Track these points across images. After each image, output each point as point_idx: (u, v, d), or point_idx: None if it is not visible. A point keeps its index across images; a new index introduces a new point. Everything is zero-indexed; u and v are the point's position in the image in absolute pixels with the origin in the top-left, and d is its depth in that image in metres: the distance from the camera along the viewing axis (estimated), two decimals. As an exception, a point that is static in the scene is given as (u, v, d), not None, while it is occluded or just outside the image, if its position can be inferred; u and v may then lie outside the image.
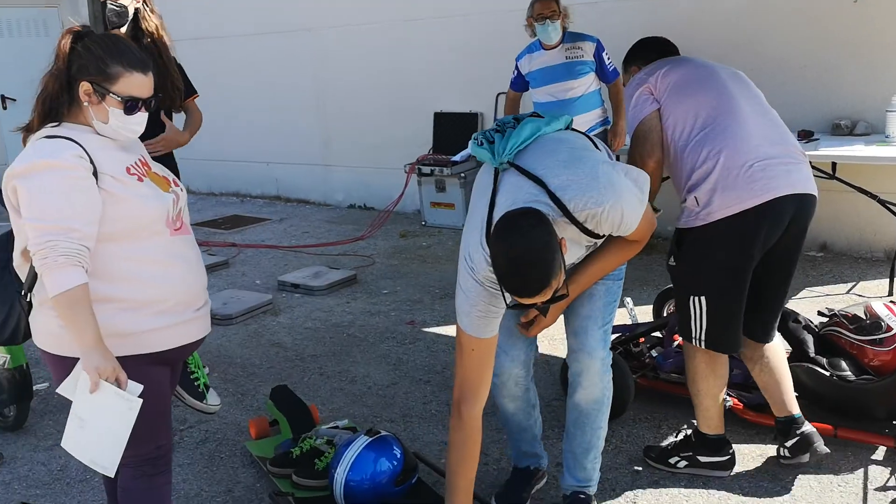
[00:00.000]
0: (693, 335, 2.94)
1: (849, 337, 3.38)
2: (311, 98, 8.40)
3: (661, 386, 3.68)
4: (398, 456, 2.91)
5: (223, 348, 4.69)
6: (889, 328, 3.25)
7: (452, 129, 7.44)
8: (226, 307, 5.19)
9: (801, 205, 2.79)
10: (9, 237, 2.26)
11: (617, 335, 3.81)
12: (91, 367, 2.01)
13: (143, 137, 3.19)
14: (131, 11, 3.58)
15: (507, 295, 2.21)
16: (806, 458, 2.97)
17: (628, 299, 4.26)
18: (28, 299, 2.18)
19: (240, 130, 8.93)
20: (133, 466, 2.27)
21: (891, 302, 3.41)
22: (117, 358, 2.06)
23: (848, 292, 5.10)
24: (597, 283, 2.58)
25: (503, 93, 7.06)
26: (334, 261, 6.40)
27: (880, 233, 5.69)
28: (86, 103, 2.14)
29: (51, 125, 2.17)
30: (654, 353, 3.77)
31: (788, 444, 3.00)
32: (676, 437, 3.24)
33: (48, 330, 2.16)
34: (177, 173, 3.83)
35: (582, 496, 2.82)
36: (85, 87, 2.13)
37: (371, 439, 2.92)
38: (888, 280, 5.07)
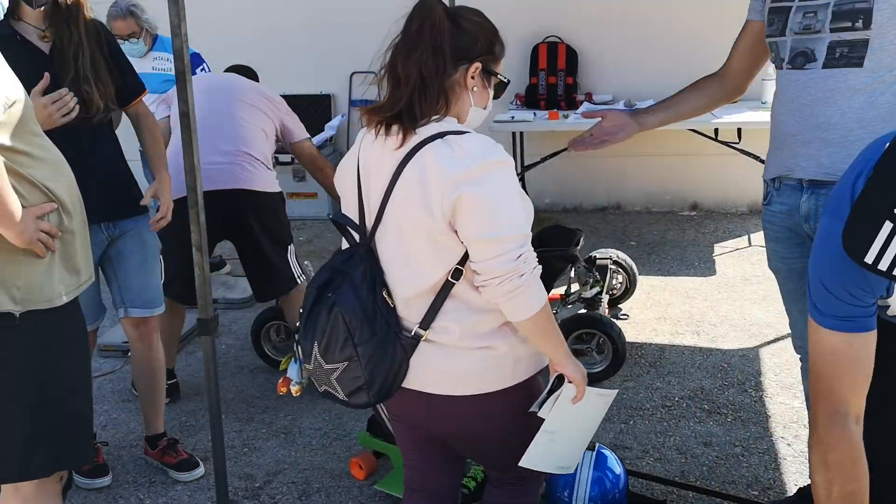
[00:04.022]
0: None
1: None
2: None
3: None
4: (619, 463, 2.70)
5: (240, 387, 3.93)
6: None
7: (300, 114, 6.84)
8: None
9: (227, 198, 3.45)
10: (367, 276, 1.84)
11: None
12: (578, 375, 1.90)
13: (81, 163, 2.50)
14: None
15: None
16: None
17: (307, 262, 4.48)
18: (421, 337, 1.84)
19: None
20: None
21: None
22: (532, 377, 1.95)
23: (750, 245, 5.60)
24: None
25: (359, 72, 6.75)
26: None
27: (744, 190, 6.31)
28: (475, 88, 1.84)
29: (434, 119, 1.81)
30: None
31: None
32: None
33: (468, 368, 1.85)
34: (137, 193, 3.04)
35: None
36: (475, 68, 1.83)
37: (594, 454, 2.66)
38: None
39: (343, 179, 1.96)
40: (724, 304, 4.63)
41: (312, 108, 6.84)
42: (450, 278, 1.80)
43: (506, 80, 1.92)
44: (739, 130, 5.60)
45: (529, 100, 6.32)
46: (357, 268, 1.85)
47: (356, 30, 6.80)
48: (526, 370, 1.92)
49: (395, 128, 1.80)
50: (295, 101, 6.84)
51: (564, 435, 1.98)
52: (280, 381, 2.13)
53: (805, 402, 2.75)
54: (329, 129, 6.69)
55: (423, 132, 1.78)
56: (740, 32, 2.58)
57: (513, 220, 1.75)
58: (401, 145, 1.79)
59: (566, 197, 6.69)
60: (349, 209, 1.94)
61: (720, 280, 4.99)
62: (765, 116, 5.46)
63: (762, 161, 5.74)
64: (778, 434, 3.27)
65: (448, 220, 1.73)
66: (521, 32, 6.46)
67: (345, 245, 1.96)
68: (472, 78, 1.83)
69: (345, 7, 6.58)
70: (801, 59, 2.30)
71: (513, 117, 5.93)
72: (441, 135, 1.77)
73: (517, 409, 1.93)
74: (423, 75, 1.78)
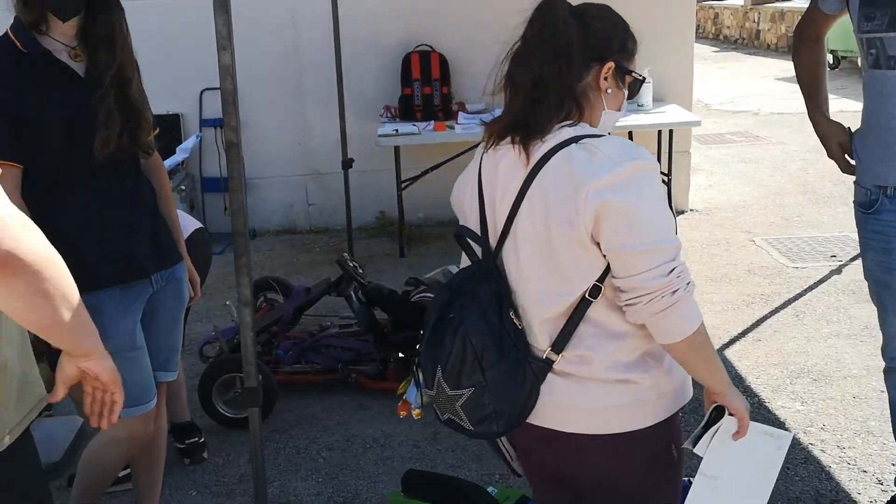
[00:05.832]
0: None
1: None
2: None
3: (290, 379, 3.74)
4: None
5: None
6: None
7: (143, 135, 6.08)
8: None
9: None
10: (494, 295, 1.69)
11: (228, 338, 3.71)
12: (741, 406, 1.70)
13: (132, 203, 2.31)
14: None
15: None
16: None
17: (228, 302, 4.08)
18: (552, 361, 1.67)
19: None
20: None
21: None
22: (673, 415, 1.74)
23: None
24: None
25: (210, 88, 6.10)
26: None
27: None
28: (608, 90, 1.71)
29: (568, 125, 1.67)
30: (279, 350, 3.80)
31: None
32: None
33: (605, 404, 1.66)
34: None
35: None
36: (608, 68, 1.70)
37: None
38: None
39: (462, 196, 1.83)
40: (660, 310, 4.60)
41: (160, 130, 6.06)
42: (587, 296, 1.64)
43: (641, 78, 1.77)
44: (631, 134, 5.66)
45: (405, 111, 6.02)
46: (482, 286, 1.72)
47: (206, 43, 6.14)
48: (669, 407, 1.74)
49: (516, 137, 1.68)
50: (137, 122, 6.09)
51: (730, 483, 1.74)
52: (399, 404, 1.96)
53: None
54: (181, 152, 5.96)
55: (555, 138, 1.66)
56: (811, 21, 2.61)
57: (663, 229, 1.59)
58: (526, 154, 1.66)
59: (442, 210, 6.42)
60: (469, 227, 1.82)
61: (641, 286, 4.97)
62: (648, 119, 5.77)
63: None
64: (805, 441, 3.23)
65: (590, 230, 1.59)
66: (390, 41, 6.15)
67: (464, 262, 1.84)
68: (606, 79, 1.71)
69: (194, 18, 5.90)
70: None
71: (396, 130, 5.63)
72: (576, 139, 1.64)
73: (658, 453, 1.76)
74: (538, 81, 1.66)
